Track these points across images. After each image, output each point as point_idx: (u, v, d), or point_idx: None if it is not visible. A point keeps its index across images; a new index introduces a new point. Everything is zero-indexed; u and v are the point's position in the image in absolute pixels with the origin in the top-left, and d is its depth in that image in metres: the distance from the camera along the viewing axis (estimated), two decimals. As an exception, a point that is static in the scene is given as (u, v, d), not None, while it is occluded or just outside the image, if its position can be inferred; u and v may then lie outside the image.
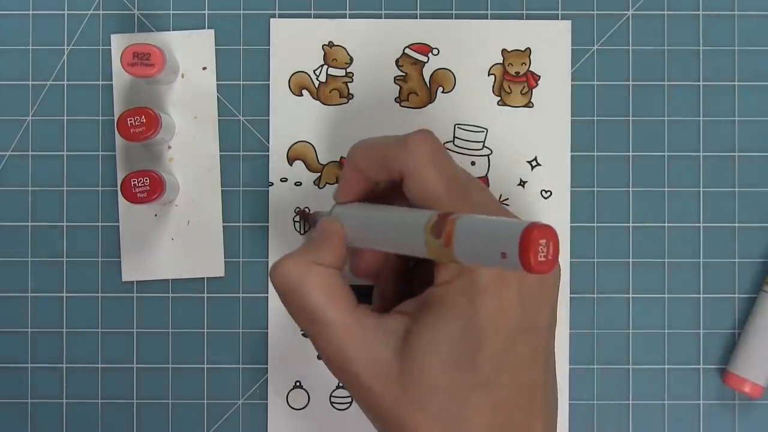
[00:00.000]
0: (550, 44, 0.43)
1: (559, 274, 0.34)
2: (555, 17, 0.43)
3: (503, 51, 0.43)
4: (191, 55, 0.43)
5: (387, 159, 0.34)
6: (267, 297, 0.43)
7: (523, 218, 0.34)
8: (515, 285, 0.31)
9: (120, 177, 0.42)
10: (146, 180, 0.40)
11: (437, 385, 0.31)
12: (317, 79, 0.43)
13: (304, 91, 0.43)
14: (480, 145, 0.43)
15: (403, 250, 0.32)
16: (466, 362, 0.31)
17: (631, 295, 0.43)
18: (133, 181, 0.40)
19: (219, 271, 0.43)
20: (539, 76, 0.43)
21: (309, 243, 0.35)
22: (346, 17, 0.43)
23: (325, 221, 0.35)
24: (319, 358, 0.42)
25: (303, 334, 0.42)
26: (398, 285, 0.37)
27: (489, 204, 0.33)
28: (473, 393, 0.31)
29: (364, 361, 0.32)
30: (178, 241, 0.42)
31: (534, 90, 0.43)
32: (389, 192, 0.36)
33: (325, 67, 0.43)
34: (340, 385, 0.42)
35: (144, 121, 0.39)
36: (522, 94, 0.43)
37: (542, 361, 0.32)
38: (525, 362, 0.32)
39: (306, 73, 0.43)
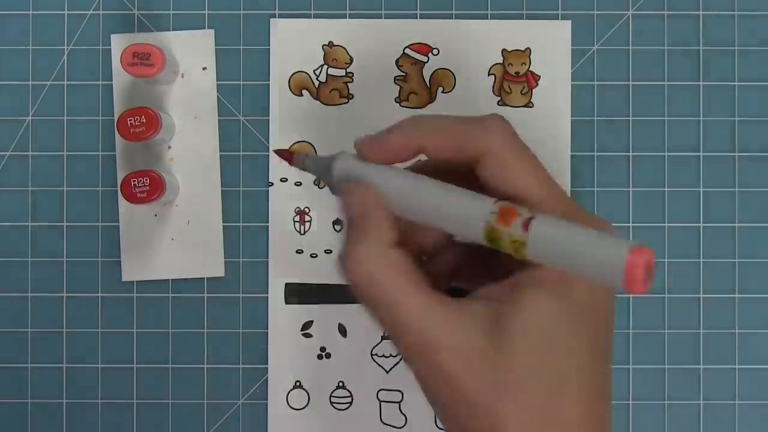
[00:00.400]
0: (550, 44, 0.43)
1: None
2: (555, 17, 0.43)
3: (503, 51, 0.43)
4: (191, 55, 0.43)
5: (462, 138, 0.31)
6: (267, 297, 0.43)
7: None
8: None
9: (120, 177, 0.42)
10: (146, 180, 0.40)
11: (533, 371, 0.29)
12: (317, 79, 0.43)
13: (304, 91, 0.43)
14: (480, 145, 0.43)
15: (454, 232, 0.31)
16: (562, 345, 0.30)
17: (631, 295, 0.43)
18: (133, 181, 0.40)
19: (219, 271, 0.43)
20: (539, 76, 0.43)
21: (361, 226, 0.32)
22: (346, 17, 0.43)
23: (359, 192, 0.32)
24: (319, 358, 0.42)
25: (304, 334, 0.42)
26: (462, 267, 0.35)
27: (567, 199, 0.32)
28: (568, 380, 0.30)
29: (451, 348, 0.30)
30: (178, 241, 0.42)
31: (534, 90, 0.43)
32: (431, 170, 0.33)
33: (325, 67, 0.43)
34: (340, 384, 0.42)
35: (144, 121, 0.39)
36: (522, 94, 0.43)
37: (609, 359, 0.32)
38: (610, 347, 0.31)
39: (306, 73, 0.43)
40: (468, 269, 0.35)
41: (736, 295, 0.43)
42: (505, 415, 0.30)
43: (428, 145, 0.32)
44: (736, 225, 0.43)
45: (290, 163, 0.34)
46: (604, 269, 0.26)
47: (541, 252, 0.28)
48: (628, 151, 0.43)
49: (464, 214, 0.30)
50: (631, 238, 0.43)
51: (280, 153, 0.35)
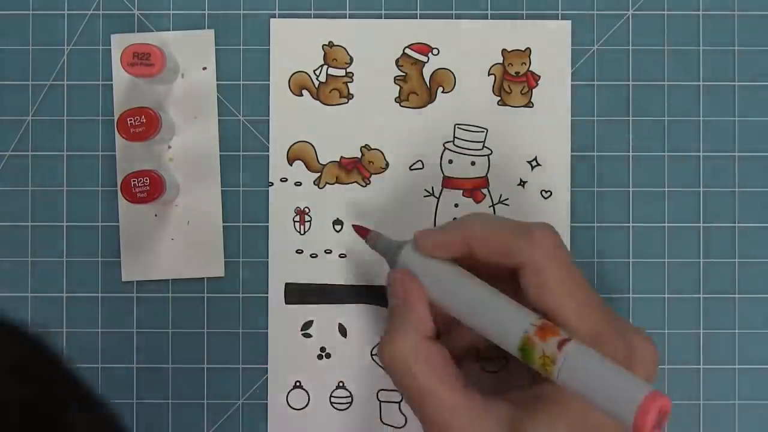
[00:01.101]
0: (550, 44, 0.43)
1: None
2: (555, 17, 0.43)
3: (503, 51, 0.43)
4: (191, 55, 0.43)
5: (508, 247, 0.33)
6: (267, 297, 0.43)
7: (531, 221, 0.34)
8: None
9: (120, 177, 0.42)
10: (146, 180, 0.40)
11: None
12: (317, 79, 0.43)
13: (304, 91, 0.43)
14: (480, 145, 0.43)
15: (489, 336, 0.32)
16: None
17: (631, 295, 0.43)
18: (133, 181, 0.40)
19: (219, 271, 0.43)
20: (539, 76, 0.43)
21: (400, 313, 0.34)
22: (346, 17, 0.43)
23: (404, 281, 0.35)
24: (319, 358, 0.42)
25: (304, 334, 0.42)
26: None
27: (604, 309, 0.33)
28: None
29: None
30: (178, 241, 0.42)
31: (534, 90, 0.43)
32: (482, 267, 0.35)
33: (325, 67, 0.43)
34: (340, 384, 0.42)
35: (144, 121, 0.39)
36: (522, 94, 0.43)
37: None
38: None
39: (306, 73, 0.43)
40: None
41: (736, 295, 0.43)
42: None
43: (476, 247, 0.34)
44: (736, 225, 0.43)
45: (364, 239, 0.39)
46: (618, 406, 0.27)
47: (566, 374, 0.29)
48: (628, 151, 0.43)
49: (506, 320, 0.31)
50: (630, 238, 0.43)
51: (357, 229, 0.39)
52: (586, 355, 0.29)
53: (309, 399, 0.43)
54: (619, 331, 0.33)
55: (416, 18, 0.43)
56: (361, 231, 0.39)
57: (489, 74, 0.43)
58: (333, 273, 0.43)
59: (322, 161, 0.43)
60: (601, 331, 0.32)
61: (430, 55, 0.43)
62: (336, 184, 0.43)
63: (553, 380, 0.29)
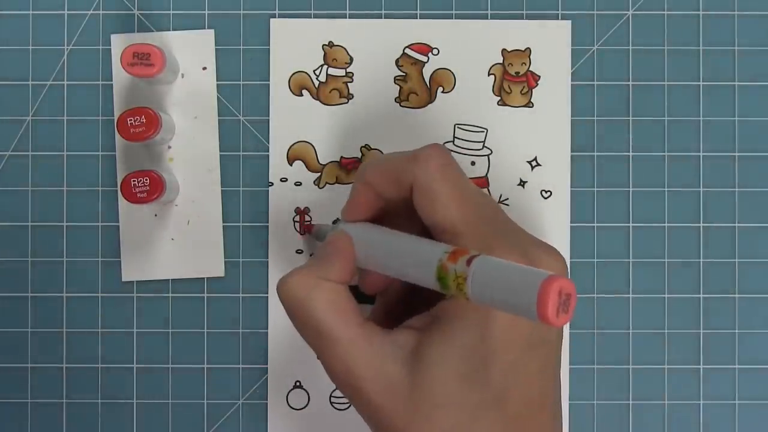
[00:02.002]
0: (550, 44, 0.43)
1: None
2: (555, 17, 0.43)
3: (503, 51, 0.43)
4: (191, 55, 0.43)
5: (397, 172, 0.33)
6: (267, 297, 0.43)
7: (526, 226, 0.34)
8: None
9: (120, 177, 0.42)
10: (146, 180, 0.40)
11: (448, 401, 0.30)
12: (317, 79, 0.43)
13: (304, 91, 0.43)
14: (480, 145, 0.43)
15: (412, 280, 0.32)
16: (478, 377, 0.30)
17: (631, 295, 0.43)
18: (133, 181, 0.40)
19: (219, 271, 0.43)
20: (539, 76, 0.43)
21: (317, 258, 0.34)
22: (346, 17, 0.43)
23: (335, 236, 0.35)
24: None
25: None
26: (404, 300, 0.36)
27: (501, 222, 0.33)
28: (485, 408, 0.30)
29: (372, 377, 0.31)
30: (178, 241, 0.42)
31: (534, 90, 0.43)
32: (399, 212, 0.35)
33: (325, 67, 0.43)
34: (340, 385, 0.42)
35: (144, 121, 0.39)
36: (522, 94, 0.43)
37: (551, 375, 0.32)
38: (536, 376, 0.31)
39: (306, 73, 0.43)
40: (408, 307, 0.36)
41: (736, 295, 0.43)
42: None
43: (375, 184, 0.34)
44: (736, 225, 0.43)
45: (309, 234, 0.41)
46: (521, 301, 0.26)
47: (476, 288, 0.28)
48: (628, 151, 0.43)
49: (422, 255, 0.31)
50: (631, 238, 0.43)
51: (307, 229, 0.42)
52: (491, 264, 0.28)
53: (309, 399, 0.43)
54: (518, 244, 0.32)
55: (416, 18, 0.43)
56: (307, 228, 0.42)
57: (489, 74, 0.43)
58: (333, 273, 0.42)
59: (322, 161, 0.43)
60: (495, 245, 0.31)
61: (430, 55, 0.43)
62: (336, 184, 0.43)
63: (469, 299, 0.28)
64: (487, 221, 0.32)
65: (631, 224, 0.43)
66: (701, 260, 0.43)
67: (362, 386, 0.32)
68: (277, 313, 0.42)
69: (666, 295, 0.43)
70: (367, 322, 0.33)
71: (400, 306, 0.36)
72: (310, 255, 0.43)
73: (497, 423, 0.31)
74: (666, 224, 0.43)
